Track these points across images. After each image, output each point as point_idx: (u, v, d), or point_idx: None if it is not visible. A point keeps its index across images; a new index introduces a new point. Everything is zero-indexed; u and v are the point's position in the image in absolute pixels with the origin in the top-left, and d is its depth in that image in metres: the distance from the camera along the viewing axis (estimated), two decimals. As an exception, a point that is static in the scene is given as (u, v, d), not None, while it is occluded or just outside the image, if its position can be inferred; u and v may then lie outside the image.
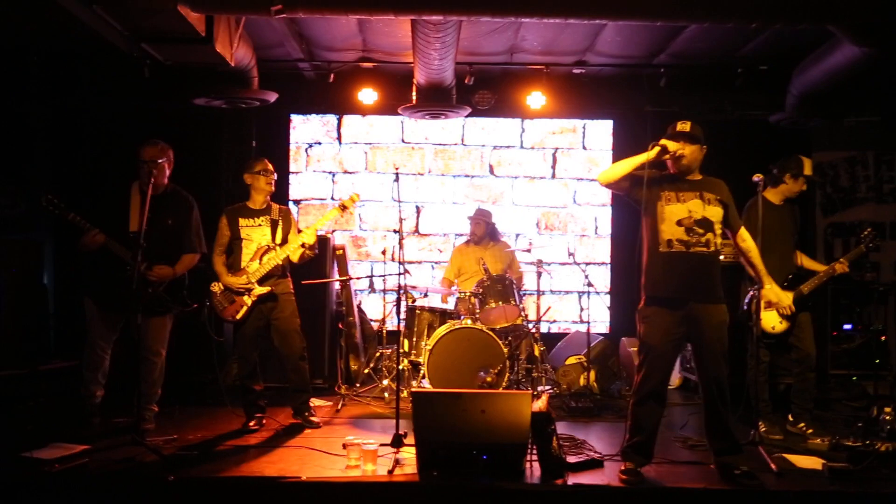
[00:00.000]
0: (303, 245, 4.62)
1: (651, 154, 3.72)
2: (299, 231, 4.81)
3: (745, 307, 4.68)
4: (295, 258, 4.69)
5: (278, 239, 4.71)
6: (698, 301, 3.74)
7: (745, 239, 3.99)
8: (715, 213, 3.77)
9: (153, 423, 4.47)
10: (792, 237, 4.81)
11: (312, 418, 4.74)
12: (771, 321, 4.62)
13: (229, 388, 5.35)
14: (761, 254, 4.15)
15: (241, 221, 4.68)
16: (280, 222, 4.75)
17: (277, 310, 4.65)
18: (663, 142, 3.75)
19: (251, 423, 4.62)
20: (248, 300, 4.58)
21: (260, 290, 4.59)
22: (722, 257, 5.29)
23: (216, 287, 4.62)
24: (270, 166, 4.77)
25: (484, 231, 6.31)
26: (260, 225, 4.69)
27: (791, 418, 4.72)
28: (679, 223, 3.74)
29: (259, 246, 4.65)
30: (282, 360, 4.71)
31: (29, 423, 4.63)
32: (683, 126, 3.81)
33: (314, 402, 5.04)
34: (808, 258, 4.90)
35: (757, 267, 4.05)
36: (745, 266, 4.37)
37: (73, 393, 4.47)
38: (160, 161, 4.34)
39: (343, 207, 4.78)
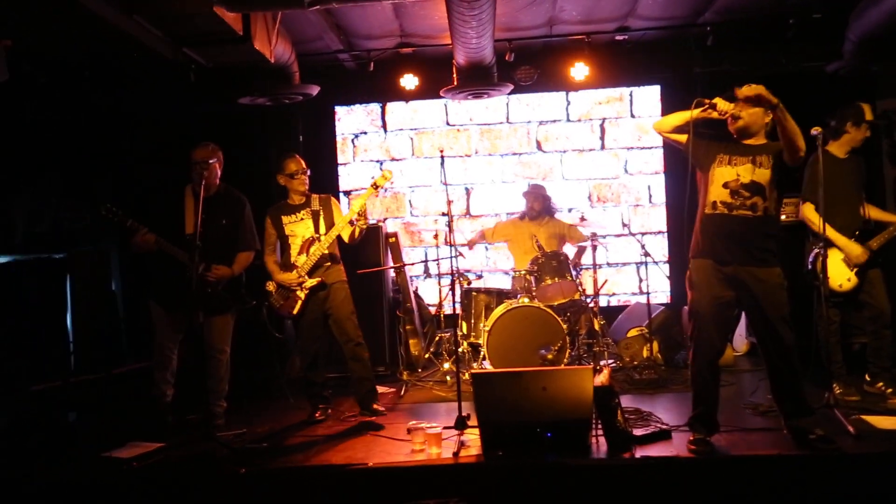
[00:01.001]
0: (352, 222, 4.59)
1: (695, 112, 3.60)
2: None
3: (811, 266, 4.50)
4: (346, 237, 4.66)
5: (322, 229, 4.71)
6: (742, 263, 3.60)
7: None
8: (765, 175, 3.61)
9: (223, 418, 4.58)
10: (859, 191, 4.61)
11: (377, 406, 4.72)
12: (838, 279, 4.44)
13: (294, 381, 5.46)
14: (826, 210, 3.97)
15: (284, 219, 4.72)
16: (321, 212, 4.74)
17: (330, 299, 4.67)
18: (716, 100, 3.62)
19: (317, 414, 4.69)
20: (301, 294, 4.63)
21: (311, 281, 4.62)
22: (784, 217, 5.13)
23: (271, 286, 4.68)
24: (304, 164, 4.76)
25: (541, 206, 6.22)
26: (302, 219, 4.72)
27: (868, 378, 4.55)
28: (725, 185, 3.63)
29: (304, 239, 4.68)
30: (340, 349, 4.72)
31: (107, 425, 4.84)
32: (746, 90, 3.60)
33: (378, 388, 5.07)
34: (878, 209, 4.68)
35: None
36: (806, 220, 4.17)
37: (146, 393, 4.61)
38: (211, 162, 4.42)
39: (375, 186, 4.70)
